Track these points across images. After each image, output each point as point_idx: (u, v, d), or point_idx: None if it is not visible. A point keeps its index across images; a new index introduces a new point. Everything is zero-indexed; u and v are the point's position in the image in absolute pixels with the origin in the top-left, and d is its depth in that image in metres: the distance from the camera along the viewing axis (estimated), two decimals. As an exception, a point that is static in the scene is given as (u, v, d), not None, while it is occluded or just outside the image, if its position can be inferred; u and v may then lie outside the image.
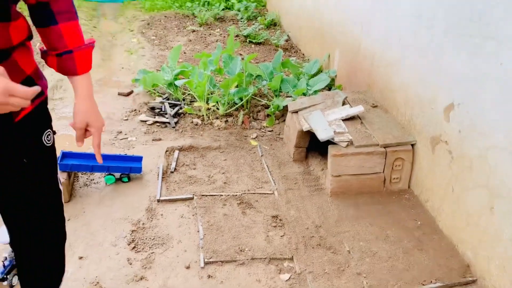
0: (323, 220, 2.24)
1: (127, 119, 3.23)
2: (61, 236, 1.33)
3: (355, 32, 3.20)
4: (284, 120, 3.08)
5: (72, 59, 1.15)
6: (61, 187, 1.28)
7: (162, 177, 2.56)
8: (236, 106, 3.35)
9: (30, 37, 1.11)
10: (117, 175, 2.50)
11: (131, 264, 1.96)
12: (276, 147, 2.95)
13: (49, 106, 1.32)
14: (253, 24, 5.36)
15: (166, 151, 2.85)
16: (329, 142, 2.41)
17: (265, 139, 3.05)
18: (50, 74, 3.15)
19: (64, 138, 2.94)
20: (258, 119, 3.34)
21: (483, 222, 1.85)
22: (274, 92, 3.44)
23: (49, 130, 1.20)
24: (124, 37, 5.00)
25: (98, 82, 3.80)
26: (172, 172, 2.64)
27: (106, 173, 2.47)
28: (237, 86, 3.36)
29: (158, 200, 2.37)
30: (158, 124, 3.20)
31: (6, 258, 1.60)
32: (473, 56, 1.88)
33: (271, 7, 5.86)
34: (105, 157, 2.47)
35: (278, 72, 3.52)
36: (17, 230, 1.25)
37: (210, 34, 5.16)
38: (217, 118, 3.29)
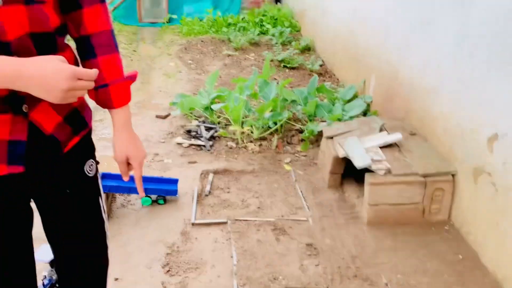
0: (359, 250, 2.19)
1: (164, 142, 3.30)
2: (104, 263, 1.34)
3: (392, 58, 3.18)
4: (319, 145, 3.07)
5: (108, 92, 1.14)
6: (104, 216, 1.29)
7: (197, 200, 2.58)
8: (271, 130, 3.36)
9: None
10: (154, 197, 2.54)
11: None
12: (310, 172, 2.93)
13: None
14: (287, 49, 5.41)
15: (201, 174, 2.87)
16: (366, 170, 2.38)
17: (299, 164, 3.04)
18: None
19: (102, 159, 3.01)
20: (292, 144, 3.34)
21: (531, 259, 1.76)
22: (308, 117, 3.44)
23: (92, 160, 1.22)
24: (162, 61, 5.15)
25: (137, 104, 3.90)
26: (206, 195, 2.66)
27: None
28: (272, 111, 3.38)
29: (193, 224, 2.38)
30: (194, 146, 3.25)
31: (45, 277, 1.64)
32: (519, 86, 1.83)
33: (305, 32, 5.92)
34: (142, 179, 2.51)
35: (313, 97, 3.53)
36: (61, 254, 1.27)
37: (245, 59, 5.24)
38: (251, 141, 3.31)
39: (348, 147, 2.53)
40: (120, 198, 2.58)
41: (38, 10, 0.97)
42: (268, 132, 3.35)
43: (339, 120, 3.21)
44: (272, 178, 2.86)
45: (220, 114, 3.62)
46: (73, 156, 1.15)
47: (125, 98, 1.18)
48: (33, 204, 1.18)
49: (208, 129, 3.45)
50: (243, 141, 3.28)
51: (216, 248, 2.21)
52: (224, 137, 3.36)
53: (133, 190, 2.47)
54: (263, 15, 6.52)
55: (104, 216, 1.29)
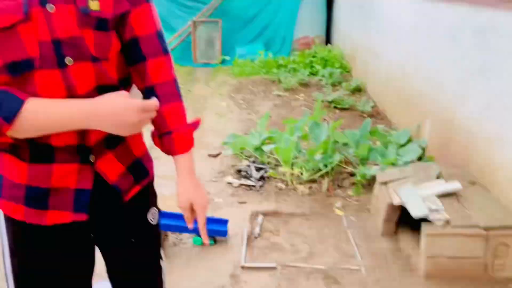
0: (416, 305, 2.08)
1: (215, 181, 3.35)
2: None
3: (448, 103, 3.10)
4: (371, 190, 2.99)
5: (171, 139, 1.16)
6: (163, 264, 1.31)
7: (247, 242, 2.57)
8: (321, 172, 3.33)
9: None
10: (204, 237, 2.55)
11: (214, 332, 1.94)
12: (362, 218, 2.85)
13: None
14: (338, 89, 5.43)
15: (251, 215, 2.87)
16: (423, 219, 2.28)
17: (350, 209, 2.97)
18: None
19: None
20: (343, 187, 3.28)
21: None
22: (360, 160, 3.38)
23: (154, 208, 1.25)
24: (214, 101, 5.31)
25: (189, 142, 4.02)
26: (256, 237, 2.64)
27: (195, 234, 2.54)
28: (322, 153, 3.37)
29: (242, 267, 2.36)
30: (244, 186, 3.27)
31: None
32: None
33: (356, 73, 5.92)
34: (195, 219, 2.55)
35: (365, 140, 3.48)
36: None
37: (295, 99, 5.30)
38: (301, 183, 3.28)
39: (404, 194, 2.45)
40: (172, 236, 2.62)
41: (103, 66, 1.04)
42: (319, 174, 3.32)
43: (393, 164, 3.14)
44: (322, 223, 2.81)
45: (270, 155, 3.64)
46: (136, 204, 1.18)
47: (188, 145, 1.20)
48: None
49: (258, 169, 3.48)
50: (292, 182, 3.27)
51: (266, 294, 2.17)
52: (274, 178, 3.36)
53: (185, 230, 2.50)
54: (313, 56, 6.62)
55: (163, 264, 1.31)
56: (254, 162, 3.59)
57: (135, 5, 1.08)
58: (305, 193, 3.18)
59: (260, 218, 2.84)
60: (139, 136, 1.20)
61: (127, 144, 1.14)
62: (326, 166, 3.35)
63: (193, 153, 1.24)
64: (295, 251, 2.51)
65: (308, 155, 3.29)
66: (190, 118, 1.22)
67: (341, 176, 3.37)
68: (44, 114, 0.95)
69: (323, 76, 5.94)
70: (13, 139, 0.98)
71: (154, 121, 1.17)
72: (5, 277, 1.47)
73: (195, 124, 1.22)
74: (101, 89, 1.04)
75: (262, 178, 3.37)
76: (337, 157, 3.30)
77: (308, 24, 7.23)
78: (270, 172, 3.38)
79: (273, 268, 2.35)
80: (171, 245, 2.55)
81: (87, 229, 1.14)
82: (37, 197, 1.05)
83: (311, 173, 3.32)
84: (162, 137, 1.17)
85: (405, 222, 2.58)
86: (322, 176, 3.34)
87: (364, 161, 3.36)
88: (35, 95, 0.96)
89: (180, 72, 6.44)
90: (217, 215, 2.84)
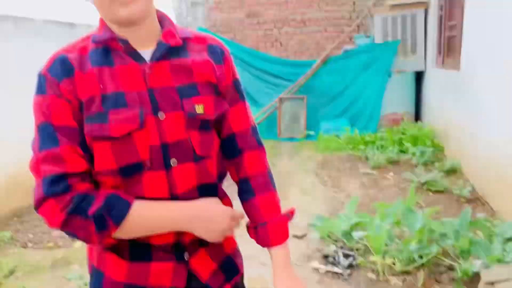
0: None
1: (300, 265, 3.23)
2: None
3: None
4: (476, 290, 2.68)
5: (266, 230, 1.16)
6: None
7: None
8: (416, 264, 3.07)
9: None
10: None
11: None
12: (467, 323, 2.53)
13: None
14: (430, 170, 5.15)
15: (339, 308, 2.69)
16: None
17: (452, 310, 2.66)
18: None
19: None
20: (441, 283, 2.98)
21: None
22: (460, 253, 3.08)
23: None
24: (299, 177, 5.30)
25: (274, 221, 3.98)
26: (345, 335, 2.45)
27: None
28: (417, 242, 3.13)
29: None
30: (330, 273, 3.11)
31: None
32: None
33: (449, 153, 5.61)
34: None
35: (465, 230, 3.19)
36: None
37: (383, 178, 5.11)
38: (394, 275, 3.05)
39: (519, 303, 2.15)
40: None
41: (205, 164, 1.09)
42: (413, 266, 3.07)
43: (499, 261, 2.81)
44: (419, 324, 2.54)
45: (359, 240, 3.47)
46: None
47: (283, 236, 1.19)
48: None
49: (346, 255, 3.31)
50: (384, 273, 3.05)
51: None
52: (364, 266, 3.17)
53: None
54: (402, 133, 6.43)
55: None
56: (342, 247, 3.43)
57: (232, 104, 1.17)
58: (399, 285, 2.93)
59: (349, 312, 2.65)
60: None
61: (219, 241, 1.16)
62: (421, 257, 3.09)
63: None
64: None
65: (402, 244, 3.07)
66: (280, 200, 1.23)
67: (439, 270, 3.08)
68: (149, 217, 1.01)
69: (413, 154, 5.71)
70: (116, 239, 1.03)
71: (248, 213, 1.19)
72: None
73: (290, 214, 1.22)
74: (200, 188, 1.09)
75: (350, 265, 3.19)
76: (434, 248, 3.04)
77: (396, 100, 7.11)
78: (360, 260, 3.20)
79: None
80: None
81: None
82: None
83: (405, 264, 3.08)
84: (257, 229, 1.17)
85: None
86: (417, 268, 3.08)
87: (464, 254, 3.06)
88: (141, 194, 1.02)
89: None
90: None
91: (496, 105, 4.07)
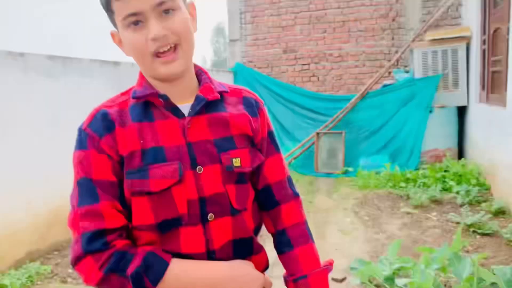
0: None
1: (340, 312, 3.09)
2: None
3: None
4: None
5: (307, 284, 1.15)
6: None
7: None
8: (465, 316, 2.87)
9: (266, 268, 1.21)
10: None
11: None
12: None
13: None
14: (476, 210, 4.89)
15: None
16: None
17: None
18: (270, 250, 3.36)
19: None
20: (494, 338, 2.75)
21: None
22: (515, 305, 2.85)
23: None
24: (337, 215, 5.15)
25: (311, 262, 3.86)
26: None
27: None
28: (466, 292, 2.92)
29: None
30: (372, 323, 2.94)
31: None
32: None
33: (497, 192, 5.32)
34: None
35: (519, 281, 2.96)
36: None
37: (426, 218, 4.89)
38: (440, 327, 2.85)
39: None
40: None
41: (242, 217, 1.09)
42: (462, 317, 2.86)
43: (560, 317, 2.57)
44: None
45: (403, 287, 3.28)
46: None
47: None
48: None
49: (388, 303, 3.14)
50: (430, 324, 2.85)
51: None
52: (408, 316, 2.98)
53: None
54: (445, 171, 6.19)
55: None
56: (383, 294, 3.26)
57: (268, 156, 1.18)
58: None
59: None
60: None
61: None
62: (471, 308, 2.88)
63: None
64: None
65: (448, 293, 2.88)
66: (315, 239, 1.22)
67: (491, 323, 2.85)
68: (185, 277, 1.00)
69: (457, 193, 5.45)
70: None
71: (287, 265, 1.18)
72: None
73: (330, 266, 1.21)
74: (236, 243, 1.09)
75: (393, 314, 3.01)
76: (485, 300, 2.83)
77: (438, 135, 6.88)
78: (403, 308, 3.02)
79: None
80: None
81: None
82: None
83: (452, 315, 2.88)
84: (298, 282, 1.16)
85: None
86: (466, 320, 2.87)
87: (520, 307, 2.83)
88: (178, 250, 1.02)
89: (300, 182, 6.49)
90: None
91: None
